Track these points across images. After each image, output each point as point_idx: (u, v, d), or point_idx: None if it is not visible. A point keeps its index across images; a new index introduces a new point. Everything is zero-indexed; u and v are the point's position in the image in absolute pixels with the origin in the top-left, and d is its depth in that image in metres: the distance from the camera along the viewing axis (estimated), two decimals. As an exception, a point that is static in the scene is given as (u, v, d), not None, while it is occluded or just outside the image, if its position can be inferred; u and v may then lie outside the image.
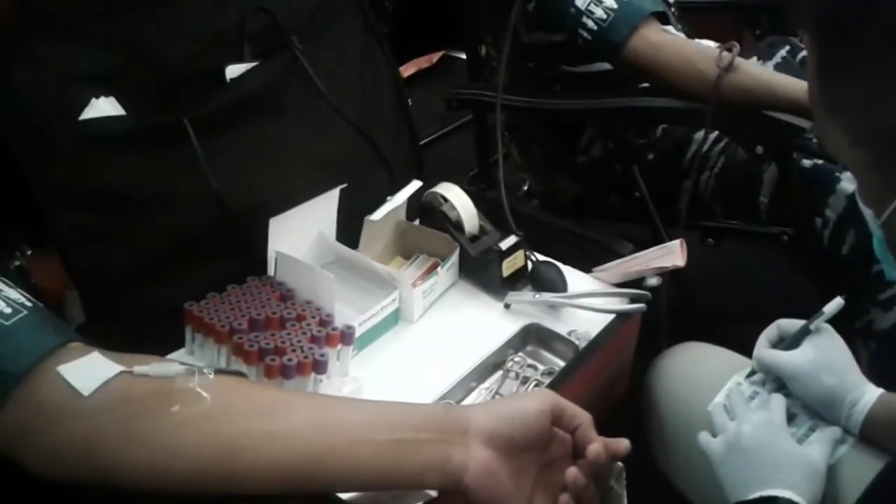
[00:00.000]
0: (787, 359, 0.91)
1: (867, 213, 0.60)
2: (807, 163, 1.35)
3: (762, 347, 0.95)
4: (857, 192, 0.62)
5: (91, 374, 0.61)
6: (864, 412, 0.85)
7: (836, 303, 0.93)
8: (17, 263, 1.02)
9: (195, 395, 0.61)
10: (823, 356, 0.89)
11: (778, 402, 0.91)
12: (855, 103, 0.54)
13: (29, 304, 0.64)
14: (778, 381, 0.95)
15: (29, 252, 1.03)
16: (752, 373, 0.98)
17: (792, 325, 0.95)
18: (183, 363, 0.64)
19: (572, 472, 0.68)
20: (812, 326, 0.92)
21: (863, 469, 0.85)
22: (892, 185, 0.55)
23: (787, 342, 0.94)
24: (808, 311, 0.96)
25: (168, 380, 0.62)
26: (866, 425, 0.86)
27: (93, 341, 0.70)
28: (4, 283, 0.66)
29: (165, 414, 0.61)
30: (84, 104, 0.95)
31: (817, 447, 0.87)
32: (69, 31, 0.96)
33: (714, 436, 0.91)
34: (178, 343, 0.99)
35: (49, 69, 0.94)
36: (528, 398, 0.70)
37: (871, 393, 0.86)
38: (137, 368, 0.63)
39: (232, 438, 0.62)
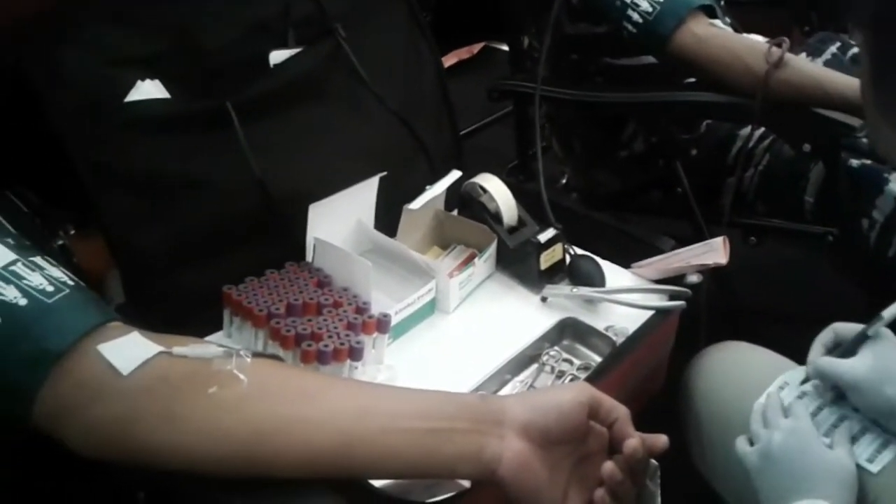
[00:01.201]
0: (846, 367, 0.88)
1: None
2: (854, 163, 1.32)
3: (817, 353, 0.92)
4: None
5: (130, 353, 0.62)
6: None
7: None
8: (61, 243, 1.03)
9: (232, 377, 0.62)
10: (884, 365, 0.86)
11: (801, 407, 0.89)
12: None
13: (71, 282, 0.65)
14: (835, 390, 0.91)
15: (72, 231, 1.04)
16: (806, 380, 0.94)
17: (848, 329, 0.92)
18: (221, 345, 0.65)
19: (609, 466, 0.67)
20: (870, 332, 0.89)
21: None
22: None
23: (844, 348, 0.91)
24: (852, 313, 0.93)
25: (206, 361, 0.63)
26: None
27: (132, 321, 0.71)
28: (48, 261, 0.66)
29: (202, 395, 0.61)
30: (129, 87, 0.96)
31: (842, 448, 0.85)
32: (116, 15, 0.97)
33: (752, 443, 0.90)
34: (216, 326, 0.99)
35: (95, 52, 0.95)
36: (565, 390, 0.69)
37: None
38: (176, 349, 0.63)
39: (267, 422, 0.62)
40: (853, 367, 0.87)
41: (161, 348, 0.63)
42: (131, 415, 0.62)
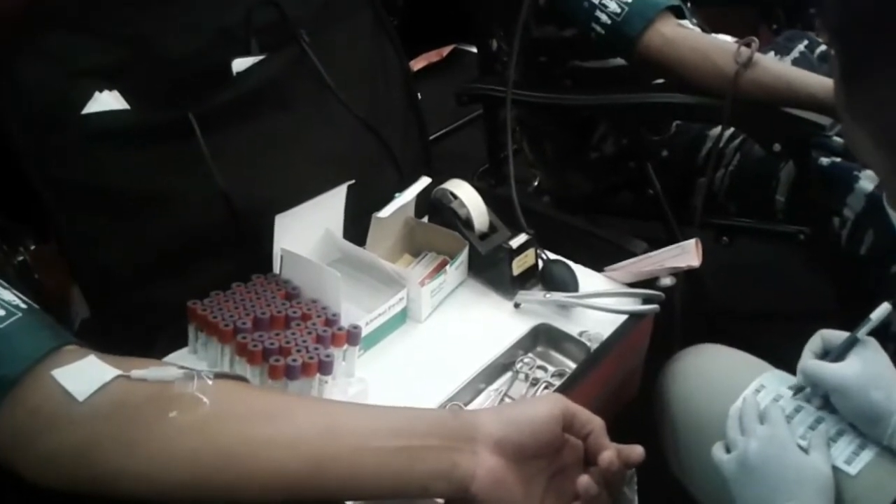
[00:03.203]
0: (833, 371, 0.87)
1: (894, 216, 0.58)
2: (825, 161, 1.32)
3: (807, 359, 0.91)
4: (885, 197, 0.60)
5: (87, 378, 0.60)
6: None
7: (884, 308, 0.89)
8: (21, 259, 1.01)
9: (194, 400, 0.60)
10: (872, 369, 0.86)
11: (776, 412, 0.88)
12: (879, 108, 0.53)
13: (24, 305, 0.63)
14: (824, 397, 0.91)
15: (33, 247, 1.02)
16: (800, 388, 0.93)
17: (836, 336, 0.91)
18: (182, 367, 0.63)
19: (584, 480, 0.66)
20: (860, 334, 0.88)
21: (888, 477, 0.83)
22: None
23: (834, 354, 0.90)
24: (825, 311, 0.93)
25: (166, 384, 0.61)
26: None
27: (97, 337, 0.69)
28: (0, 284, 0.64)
29: (163, 420, 0.59)
30: (88, 98, 0.94)
31: (819, 453, 0.85)
32: (75, 24, 0.95)
33: (728, 449, 0.89)
34: (183, 341, 0.97)
35: (53, 63, 0.93)
36: (538, 403, 0.68)
37: None
38: (135, 373, 0.61)
39: (231, 445, 0.60)
40: (841, 370, 0.87)
41: (118, 372, 0.61)
42: (89, 442, 0.59)
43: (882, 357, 0.87)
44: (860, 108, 0.55)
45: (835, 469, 0.85)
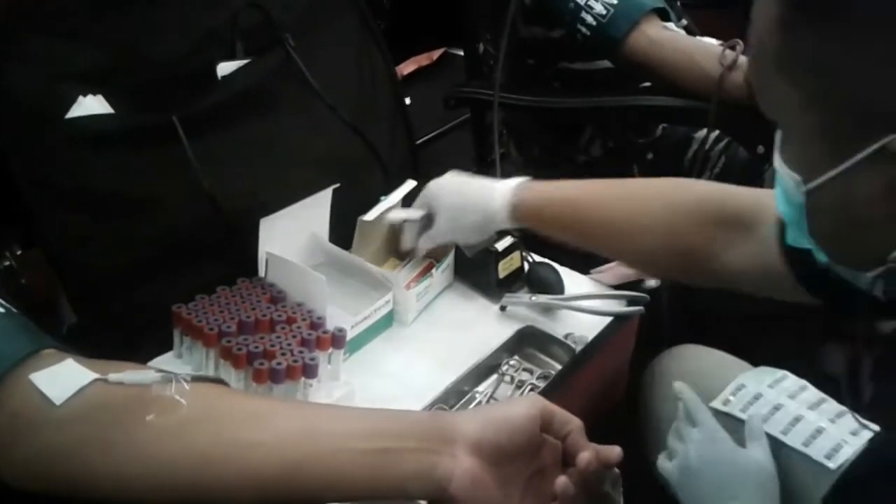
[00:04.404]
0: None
1: (789, 176, 0.56)
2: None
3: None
4: (780, 153, 0.58)
5: (64, 382, 0.60)
6: None
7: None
8: (7, 264, 1.01)
9: (172, 403, 0.59)
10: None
11: (704, 413, 0.88)
12: (822, 64, 0.51)
13: (1, 310, 0.63)
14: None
15: (19, 252, 1.02)
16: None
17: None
18: (160, 370, 0.63)
19: (562, 481, 0.66)
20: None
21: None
22: (836, 154, 0.52)
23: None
24: (809, 313, 0.93)
25: (144, 388, 0.61)
26: None
27: (84, 342, 0.69)
28: None
29: (140, 423, 0.59)
30: (72, 102, 0.94)
31: (758, 445, 0.85)
32: (59, 29, 0.95)
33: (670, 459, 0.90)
34: (168, 345, 0.97)
35: (37, 67, 0.93)
36: (516, 404, 0.68)
37: None
38: (112, 376, 0.61)
39: (208, 448, 0.60)
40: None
41: (96, 376, 0.61)
42: (67, 445, 0.59)
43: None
44: (796, 62, 0.52)
45: (815, 464, 0.85)
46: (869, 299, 0.57)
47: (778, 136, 0.58)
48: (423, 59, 2.63)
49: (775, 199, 0.62)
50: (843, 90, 0.50)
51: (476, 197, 0.97)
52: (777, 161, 0.58)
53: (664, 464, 0.89)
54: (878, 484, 0.69)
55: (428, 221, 1.04)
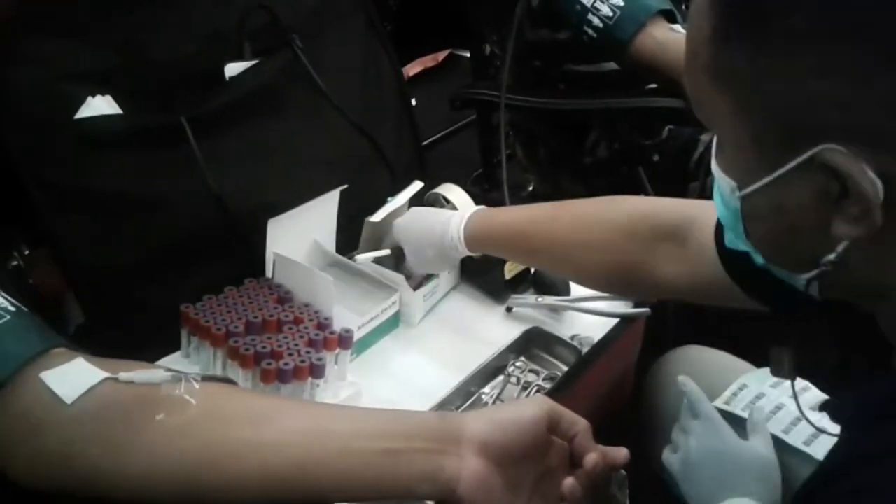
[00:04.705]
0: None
1: (725, 182, 0.57)
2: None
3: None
4: (716, 160, 0.58)
5: (74, 381, 0.60)
6: None
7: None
8: (15, 263, 1.01)
9: (181, 402, 0.60)
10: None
11: (707, 406, 0.88)
12: (752, 79, 0.51)
13: (12, 308, 0.63)
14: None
15: (27, 252, 1.02)
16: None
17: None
18: (170, 369, 0.63)
19: (569, 482, 0.66)
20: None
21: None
22: (767, 162, 0.52)
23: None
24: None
25: (153, 387, 0.61)
26: None
27: (92, 341, 0.69)
28: None
29: (150, 422, 0.60)
30: (80, 103, 0.94)
31: (760, 437, 0.86)
32: (66, 29, 0.95)
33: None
34: (176, 345, 0.98)
35: (45, 68, 0.93)
36: (524, 405, 0.68)
37: None
38: (122, 375, 0.61)
39: (217, 447, 0.61)
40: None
41: (106, 375, 0.61)
42: (76, 444, 0.60)
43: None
44: (727, 71, 0.51)
45: (816, 463, 0.85)
46: (806, 298, 0.58)
47: (714, 141, 0.59)
48: (428, 61, 2.63)
49: (713, 205, 0.63)
50: (773, 101, 0.51)
51: (430, 232, 1.00)
52: (714, 166, 0.59)
53: (668, 457, 0.89)
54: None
55: (402, 255, 1.07)
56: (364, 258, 1.06)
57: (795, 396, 0.67)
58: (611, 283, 0.92)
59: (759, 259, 0.61)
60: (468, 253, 0.99)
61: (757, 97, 0.51)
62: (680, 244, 0.83)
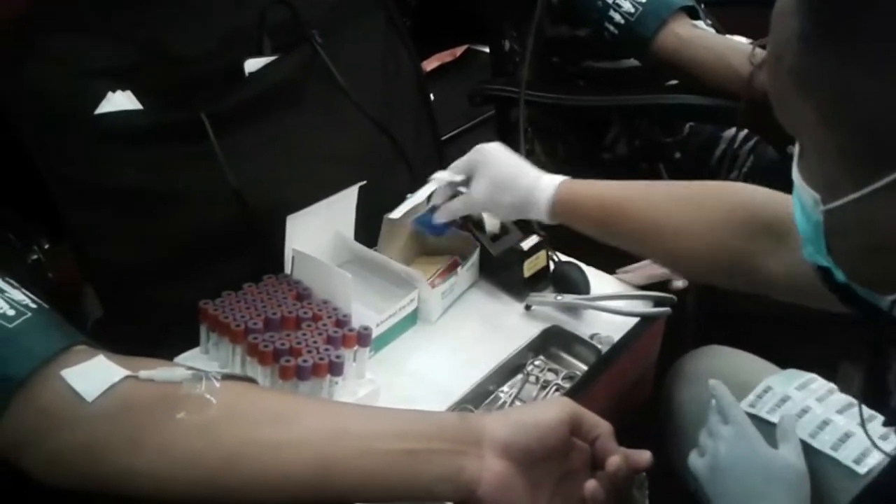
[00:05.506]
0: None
1: (808, 193, 0.54)
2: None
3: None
4: (798, 168, 0.56)
5: (95, 378, 0.60)
6: None
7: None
8: (35, 258, 1.01)
9: (202, 401, 0.60)
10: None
11: (737, 410, 0.87)
12: (840, 85, 0.49)
13: (34, 305, 0.63)
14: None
15: (46, 246, 1.02)
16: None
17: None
18: (190, 367, 0.63)
19: (591, 485, 0.65)
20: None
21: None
22: (854, 177, 0.49)
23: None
24: (836, 315, 0.92)
25: (174, 385, 0.61)
26: None
27: (110, 336, 0.69)
28: (9, 283, 0.64)
29: (170, 421, 0.60)
30: (100, 99, 0.94)
31: (790, 446, 0.85)
32: (84, 26, 0.95)
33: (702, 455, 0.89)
34: (194, 341, 0.97)
35: (63, 65, 0.93)
36: (546, 407, 0.67)
37: None
38: (143, 373, 0.61)
39: (238, 446, 0.61)
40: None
41: (127, 372, 0.61)
42: (97, 442, 0.60)
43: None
44: (815, 78, 0.49)
45: (843, 468, 0.84)
46: (890, 320, 0.55)
47: (796, 147, 0.57)
48: (446, 56, 2.62)
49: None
50: (860, 114, 0.48)
51: (521, 180, 0.96)
52: (795, 174, 0.57)
53: (695, 461, 0.88)
54: None
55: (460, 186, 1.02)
56: (441, 177, 1.03)
57: (863, 423, 0.65)
58: (711, 272, 0.89)
59: (840, 275, 0.58)
60: (546, 220, 0.96)
61: (844, 108, 0.49)
62: (780, 241, 0.81)
